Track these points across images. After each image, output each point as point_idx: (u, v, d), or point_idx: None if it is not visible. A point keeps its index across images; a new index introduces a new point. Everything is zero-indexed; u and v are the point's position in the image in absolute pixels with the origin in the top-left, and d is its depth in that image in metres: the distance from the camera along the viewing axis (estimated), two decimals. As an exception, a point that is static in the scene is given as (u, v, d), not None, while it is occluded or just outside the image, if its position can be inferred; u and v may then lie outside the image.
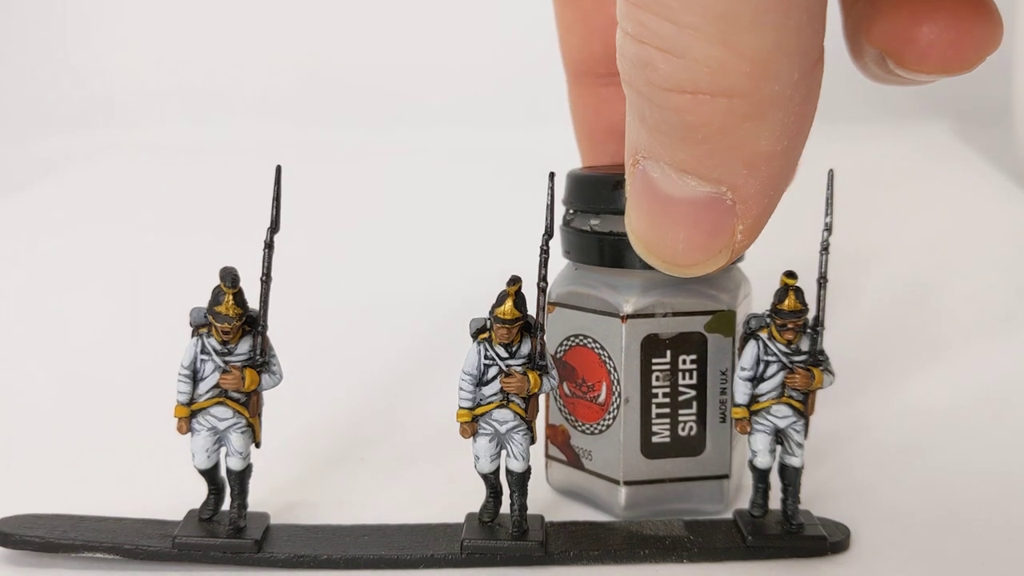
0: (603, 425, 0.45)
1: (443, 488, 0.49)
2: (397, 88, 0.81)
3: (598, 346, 0.45)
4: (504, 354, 0.40)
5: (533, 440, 0.41)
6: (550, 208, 0.41)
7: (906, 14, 0.30)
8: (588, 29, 0.49)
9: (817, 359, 0.41)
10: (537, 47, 0.81)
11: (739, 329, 0.44)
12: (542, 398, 0.45)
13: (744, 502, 0.45)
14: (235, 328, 0.40)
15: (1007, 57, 0.83)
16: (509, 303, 0.40)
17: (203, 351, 0.40)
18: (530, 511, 0.42)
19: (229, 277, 0.39)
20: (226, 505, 0.42)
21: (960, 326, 0.66)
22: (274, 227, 0.41)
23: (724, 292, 0.45)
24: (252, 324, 0.41)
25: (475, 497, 0.44)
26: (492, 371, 0.41)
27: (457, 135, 0.79)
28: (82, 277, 0.68)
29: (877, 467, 0.52)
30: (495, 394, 0.41)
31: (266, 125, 0.80)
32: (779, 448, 0.43)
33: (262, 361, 0.41)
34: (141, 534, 0.41)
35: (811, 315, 0.41)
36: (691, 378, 0.45)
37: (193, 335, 0.41)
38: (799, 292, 0.40)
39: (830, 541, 0.42)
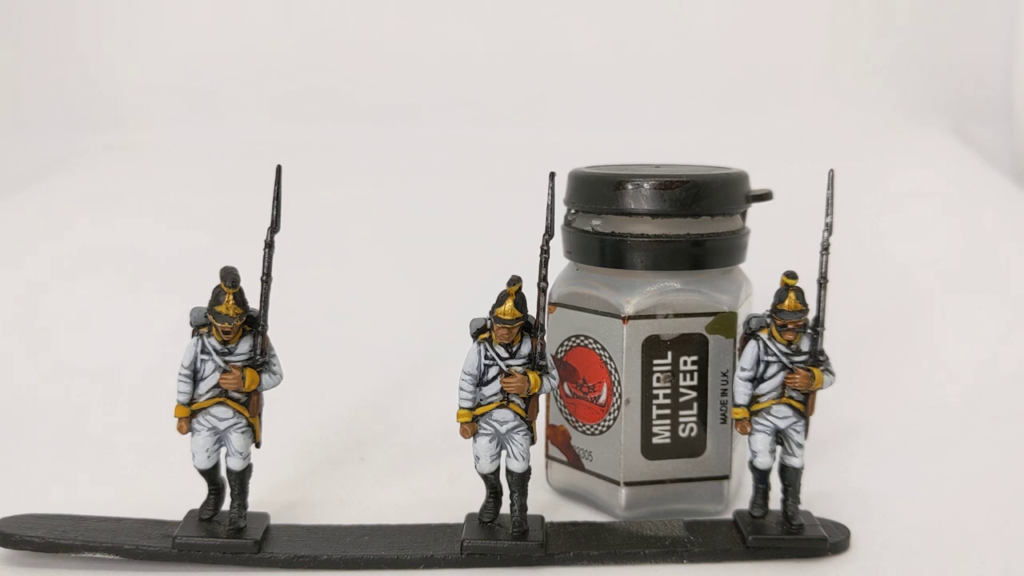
0: (604, 426, 0.45)
1: (443, 488, 0.49)
2: (398, 87, 0.80)
3: (599, 347, 0.45)
4: (504, 354, 0.40)
5: (533, 440, 0.41)
6: (550, 208, 0.41)
7: None
8: None
9: (817, 359, 0.41)
10: (540, 45, 0.81)
11: (740, 330, 0.44)
12: (542, 398, 0.45)
13: (744, 502, 0.45)
14: (235, 328, 0.40)
15: (1007, 57, 0.83)
16: (509, 303, 0.40)
17: (203, 351, 0.40)
18: (530, 511, 0.42)
19: (229, 277, 0.39)
20: (226, 505, 0.42)
21: (960, 326, 0.66)
22: (274, 227, 0.41)
23: (725, 293, 0.45)
24: (252, 324, 0.41)
25: (475, 497, 0.44)
26: (492, 371, 0.40)
27: (457, 134, 0.78)
28: (82, 277, 0.68)
29: (877, 467, 0.52)
30: (495, 394, 0.41)
31: (266, 125, 0.80)
32: (779, 448, 0.42)
33: (262, 361, 0.41)
34: (141, 534, 0.41)
35: (811, 315, 0.41)
36: (692, 379, 0.45)
37: (193, 335, 0.41)
38: (799, 292, 0.40)
39: (830, 542, 0.42)
